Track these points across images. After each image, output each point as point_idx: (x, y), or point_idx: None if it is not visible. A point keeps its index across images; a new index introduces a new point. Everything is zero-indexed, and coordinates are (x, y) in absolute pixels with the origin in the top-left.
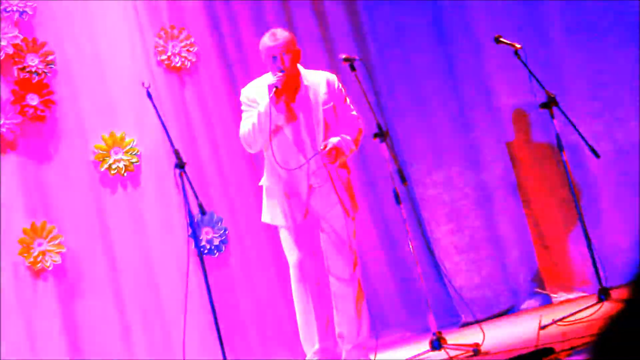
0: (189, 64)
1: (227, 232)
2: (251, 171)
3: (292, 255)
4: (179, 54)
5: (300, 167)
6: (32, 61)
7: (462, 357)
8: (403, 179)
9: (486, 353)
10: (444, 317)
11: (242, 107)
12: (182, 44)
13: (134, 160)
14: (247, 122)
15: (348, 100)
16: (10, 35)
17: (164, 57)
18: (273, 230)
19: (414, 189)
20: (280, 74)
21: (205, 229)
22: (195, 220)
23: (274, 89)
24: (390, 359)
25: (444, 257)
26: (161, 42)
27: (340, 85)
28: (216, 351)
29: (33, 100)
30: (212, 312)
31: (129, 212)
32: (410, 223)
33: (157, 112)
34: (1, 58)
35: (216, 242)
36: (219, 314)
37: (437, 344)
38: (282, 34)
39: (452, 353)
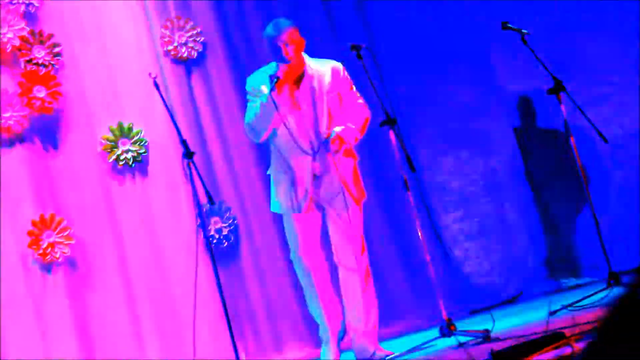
0: (196, 54)
1: (236, 221)
2: (259, 160)
3: (294, 242)
4: (186, 44)
5: (304, 156)
6: (39, 53)
7: (472, 344)
8: (411, 166)
9: (496, 339)
10: (453, 304)
11: (247, 97)
12: (189, 34)
13: (142, 151)
14: (251, 112)
15: (354, 88)
16: (17, 27)
17: (170, 47)
18: (281, 220)
19: (423, 176)
20: (284, 64)
21: (214, 219)
22: (204, 210)
23: (276, 80)
24: (401, 346)
25: (453, 244)
26: (167, 32)
27: (346, 73)
28: (226, 341)
29: (40, 92)
30: (222, 302)
31: (138, 203)
32: (419, 210)
33: (164, 102)
34: (8, 50)
35: (225, 231)
36: (229, 304)
37: (447, 331)
38: (285, 23)
39: (462, 339)
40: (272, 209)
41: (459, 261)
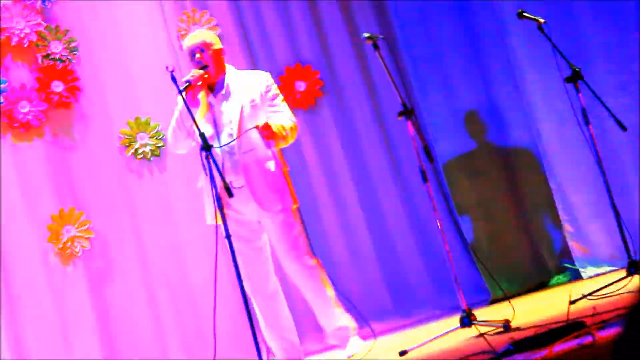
0: None
1: None
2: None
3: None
4: None
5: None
6: (56, 48)
7: (492, 333)
8: (429, 156)
9: (517, 329)
10: (473, 294)
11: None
12: (205, 27)
13: (160, 144)
14: (171, 121)
15: (280, 99)
16: (34, 22)
17: None
18: (302, 212)
19: (440, 167)
20: (200, 69)
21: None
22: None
23: (186, 84)
24: (421, 336)
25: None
26: (183, 25)
27: (271, 84)
28: (246, 334)
29: (58, 87)
30: (243, 298)
31: (156, 196)
32: (438, 201)
33: (181, 95)
34: (25, 45)
35: None
36: (249, 297)
37: (467, 321)
38: (203, 32)
39: (483, 329)
40: (207, 222)
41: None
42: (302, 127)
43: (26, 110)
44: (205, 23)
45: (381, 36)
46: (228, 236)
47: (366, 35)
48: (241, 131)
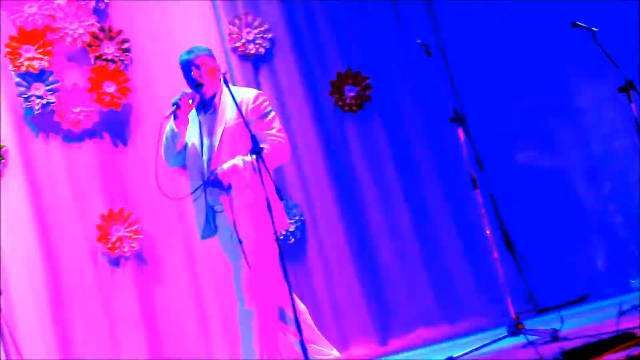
0: (263, 50)
1: (302, 218)
2: (327, 159)
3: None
4: (253, 41)
5: (193, 193)
6: (108, 49)
7: (540, 343)
8: (480, 164)
9: (565, 338)
10: (521, 303)
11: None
12: (257, 31)
13: None
14: (162, 138)
15: (269, 118)
16: (87, 23)
17: (238, 44)
18: (347, 216)
19: (490, 174)
20: (195, 87)
21: None
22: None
23: (175, 107)
24: (467, 344)
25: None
26: (235, 29)
27: (260, 103)
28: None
29: (109, 87)
30: (290, 300)
31: None
32: (487, 208)
33: (233, 98)
34: (78, 46)
35: (292, 228)
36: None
37: (515, 330)
38: (199, 48)
39: (531, 338)
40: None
41: (527, 260)
42: (351, 131)
43: (78, 110)
44: (257, 27)
45: (434, 43)
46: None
47: (419, 42)
48: (220, 152)
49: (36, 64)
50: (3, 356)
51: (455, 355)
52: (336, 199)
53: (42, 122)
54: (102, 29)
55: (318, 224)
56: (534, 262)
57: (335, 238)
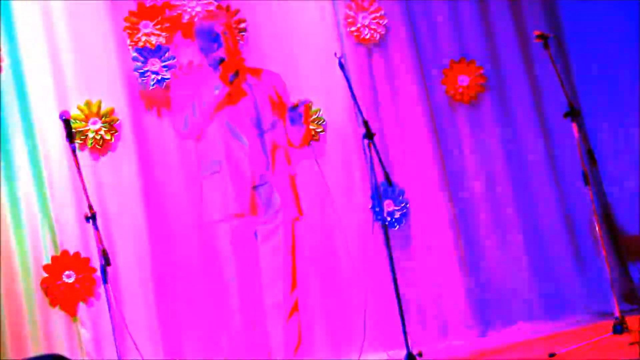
0: (378, 36)
1: (408, 205)
2: (435, 147)
3: None
4: (369, 25)
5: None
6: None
7: None
8: (593, 159)
9: None
10: (624, 302)
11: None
12: (372, 16)
13: (320, 130)
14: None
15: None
16: (205, 1)
17: (353, 28)
18: (453, 205)
19: (602, 171)
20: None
21: (386, 202)
22: (381, 191)
23: (220, 60)
24: (570, 340)
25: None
26: (351, 13)
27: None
28: (396, 328)
29: None
30: (395, 288)
31: (314, 181)
32: (597, 205)
33: (348, 83)
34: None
35: (397, 214)
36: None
37: (619, 328)
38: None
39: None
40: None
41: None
42: (461, 120)
43: None
44: (373, 12)
45: (552, 35)
46: None
47: (537, 33)
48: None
49: (153, 39)
50: (109, 325)
51: (556, 352)
52: (442, 187)
53: (156, 97)
54: (219, 8)
55: (423, 212)
56: None
57: (439, 227)
